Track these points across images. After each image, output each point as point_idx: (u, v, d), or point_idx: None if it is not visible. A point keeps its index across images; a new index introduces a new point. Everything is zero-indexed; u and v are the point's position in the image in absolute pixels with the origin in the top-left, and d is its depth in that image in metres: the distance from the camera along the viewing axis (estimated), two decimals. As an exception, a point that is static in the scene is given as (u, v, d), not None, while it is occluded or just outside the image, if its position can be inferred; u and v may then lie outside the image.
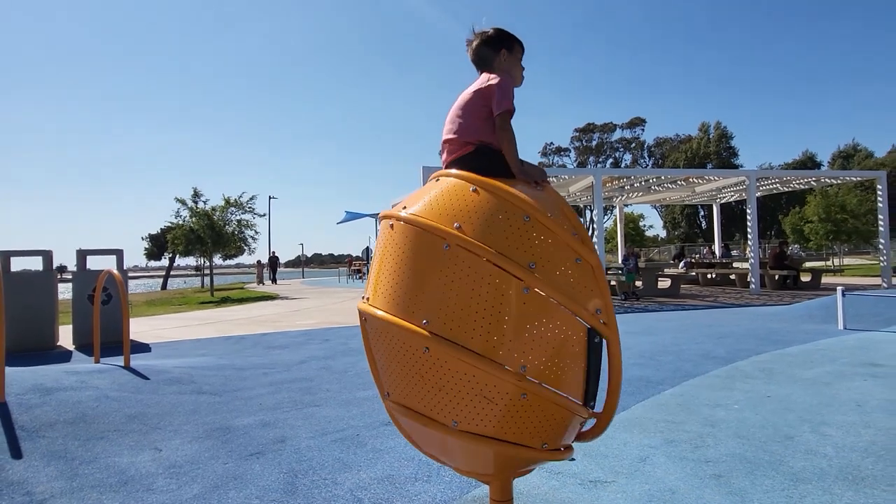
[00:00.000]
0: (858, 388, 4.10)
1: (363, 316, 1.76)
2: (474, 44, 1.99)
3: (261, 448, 3.16)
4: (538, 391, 1.57)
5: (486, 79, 1.88)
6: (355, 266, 31.61)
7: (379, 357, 1.75)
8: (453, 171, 1.77)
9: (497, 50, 1.97)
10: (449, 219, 1.61)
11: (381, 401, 4.13)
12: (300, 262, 50.50)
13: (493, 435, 1.60)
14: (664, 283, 14.30)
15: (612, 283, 13.49)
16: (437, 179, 1.79)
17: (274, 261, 30.66)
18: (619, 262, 19.94)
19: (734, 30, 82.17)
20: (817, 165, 48.72)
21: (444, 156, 1.92)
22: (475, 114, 1.84)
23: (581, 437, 1.84)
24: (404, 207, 1.73)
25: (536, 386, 1.57)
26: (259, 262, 30.86)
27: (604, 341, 1.68)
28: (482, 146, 1.82)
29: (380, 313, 1.66)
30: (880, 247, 14.77)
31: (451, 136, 1.87)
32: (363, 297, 1.79)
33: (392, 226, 1.71)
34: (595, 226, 12.92)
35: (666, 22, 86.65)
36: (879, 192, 14.37)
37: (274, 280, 29.04)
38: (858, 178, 20.06)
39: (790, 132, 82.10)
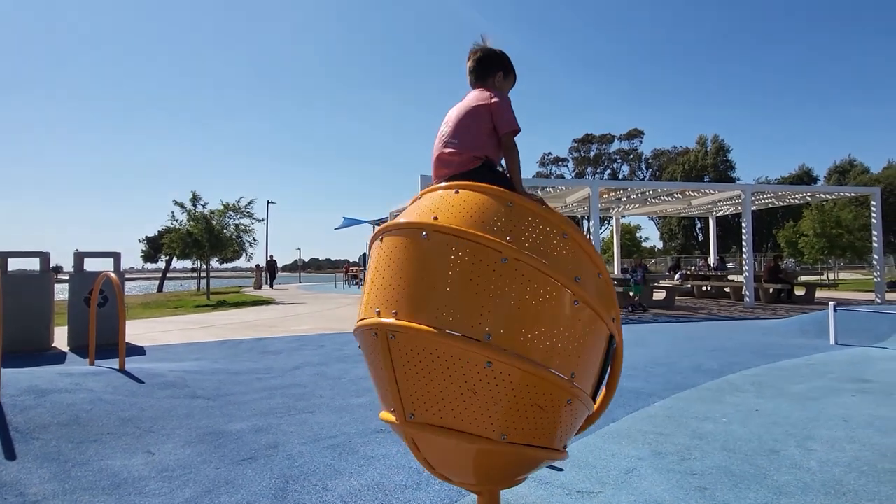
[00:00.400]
0: (846, 404, 4.15)
1: (388, 332, 1.59)
2: (479, 55, 2.03)
3: (253, 453, 3.19)
4: (580, 395, 1.68)
5: (488, 96, 1.92)
6: (352, 272, 31.58)
7: (410, 376, 1.59)
8: (476, 184, 1.75)
9: (496, 70, 2.03)
10: (498, 232, 1.61)
11: (373, 409, 4.16)
12: (297, 267, 50.53)
13: (537, 442, 1.66)
14: (659, 295, 14.37)
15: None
16: (457, 191, 1.73)
17: (272, 265, 29.85)
18: (618, 272, 19.99)
19: (733, 44, 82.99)
20: (814, 180, 49.03)
21: (446, 167, 1.89)
22: (481, 129, 1.88)
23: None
24: (435, 217, 1.66)
25: (579, 391, 1.68)
26: (258, 266, 30.44)
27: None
28: (488, 162, 1.88)
29: (425, 329, 1.54)
30: (874, 262, 14.88)
31: (455, 148, 1.88)
32: (375, 312, 1.65)
33: (427, 236, 1.63)
34: (591, 237, 12.96)
35: (666, 35, 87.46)
36: (873, 208, 14.50)
37: (271, 284, 28.58)
38: (853, 194, 20.23)
39: (787, 146, 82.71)
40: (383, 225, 1.79)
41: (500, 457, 1.66)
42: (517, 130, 1.88)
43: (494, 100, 1.90)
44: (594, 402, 1.86)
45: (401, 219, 1.75)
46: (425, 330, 1.54)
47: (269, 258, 30.70)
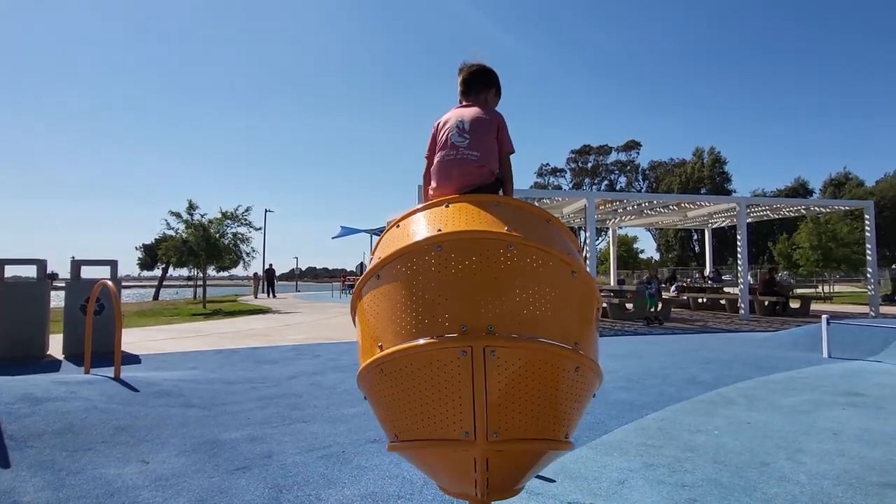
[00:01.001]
0: (836, 417, 4.18)
1: (488, 349, 1.48)
2: (476, 69, 2.06)
3: (247, 463, 3.20)
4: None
5: (493, 112, 1.97)
6: (349, 281, 31.46)
7: (504, 392, 1.52)
8: (515, 200, 1.83)
9: (489, 87, 2.09)
10: (565, 248, 1.72)
11: (368, 419, 4.17)
12: (294, 276, 50.43)
13: (571, 436, 1.80)
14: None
15: (604, 304, 13.59)
16: (499, 204, 1.72)
17: (271, 273, 28.73)
18: (614, 283, 20.02)
19: (731, 57, 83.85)
20: (809, 193, 49.38)
21: (463, 178, 1.86)
22: (493, 143, 1.92)
23: None
24: (507, 229, 1.62)
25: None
26: (256, 274, 29.63)
27: None
28: (498, 177, 1.94)
29: (532, 341, 1.54)
30: (868, 275, 14.97)
31: (478, 161, 1.87)
32: (461, 329, 1.50)
33: (513, 248, 1.59)
34: (587, 248, 13.00)
35: (664, 47, 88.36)
36: (867, 222, 14.61)
37: (269, 293, 27.32)
38: (847, 208, 20.40)
39: (784, 159, 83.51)
40: (444, 233, 1.61)
41: (551, 457, 1.77)
42: (513, 152, 1.99)
43: (501, 120, 1.96)
44: None
45: (464, 227, 1.63)
46: (531, 342, 1.54)
47: (267, 266, 30.02)
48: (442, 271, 1.57)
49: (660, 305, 12.80)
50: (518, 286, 1.56)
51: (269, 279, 28.37)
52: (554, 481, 2.89)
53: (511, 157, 1.99)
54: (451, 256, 1.58)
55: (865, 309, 15.06)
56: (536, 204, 15.19)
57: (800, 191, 49.04)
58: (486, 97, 2.07)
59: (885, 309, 15.26)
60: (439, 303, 1.55)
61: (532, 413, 1.58)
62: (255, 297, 26.57)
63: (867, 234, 14.68)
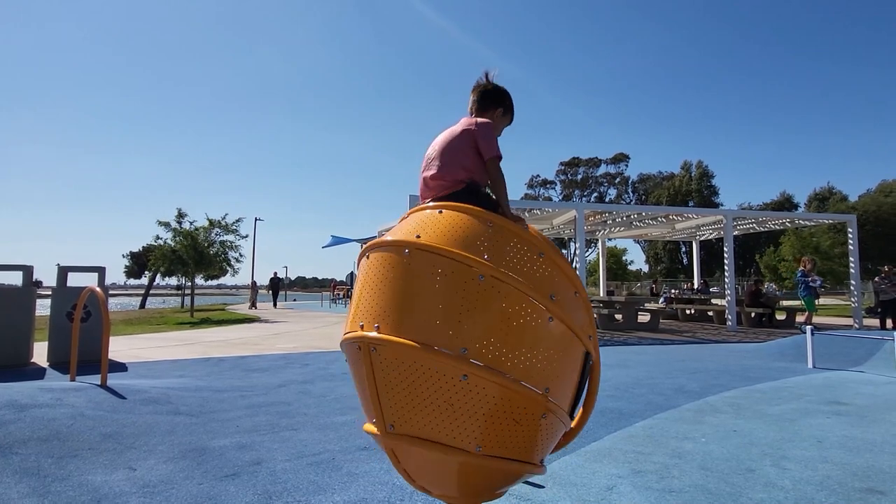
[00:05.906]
0: (821, 425, 4.24)
1: (369, 345, 1.66)
2: (482, 89, 2.14)
3: (236, 470, 3.18)
4: (555, 410, 1.73)
5: (474, 122, 2.03)
6: (339, 290, 31.24)
7: (390, 388, 1.65)
8: (459, 204, 1.84)
9: (496, 106, 2.14)
10: (477, 251, 1.67)
11: (358, 426, 4.17)
12: (284, 285, 50.02)
13: (512, 456, 1.70)
14: (644, 318, 14.52)
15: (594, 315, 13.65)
16: (441, 211, 1.82)
17: (275, 283, 27.95)
18: (603, 293, 20.08)
19: (718, 73, 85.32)
20: (795, 207, 50.17)
21: (431, 189, 1.99)
22: (465, 153, 1.98)
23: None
24: (417, 236, 1.73)
25: (555, 406, 1.73)
26: (254, 283, 28.81)
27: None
28: (472, 184, 1.97)
29: (404, 342, 1.60)
30: (851, 288, 15.20)
31: (438, 171, 1.98)
32: (359, 325, 1.72)
33: (409, 252, 1.71)
34: (577, 259, 13.08)
35: (652, 62, 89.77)
36: (850, 235, 14.88)
37: (273, 302, 26.74)
38: (830, 221, 20.76)
39: (770, 173, 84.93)
40: (370, 242, 1.86)
41: (477, 469, 1.69)
42: (498, 157, 1.98)
43: (475, 127, 1.99)
44: (572, 418, 1.92)
45: (386, 237, 1.82)
46: (405, 343, 1.61)
47: (272, 275, 29.30)
48: (363, 277, 1.81)
49: None
50: (406, 288, 1.68)
51: (273, 288, 27.82)
52: (543, 487, 2.90)
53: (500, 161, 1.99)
54: (370, 263, 1.81)
55: (849, 321, 15.28)
56: (526, 215, 15.36)
57: (785, 205, 49.80)
58: (492, 116, 2.12)
59: (868, 321, 15.49)
60: (357, 304, 1.79)
61: (424, 414, 1.63)
62: (255, 308, 25.15)
63: (850, 247, 14.93)
